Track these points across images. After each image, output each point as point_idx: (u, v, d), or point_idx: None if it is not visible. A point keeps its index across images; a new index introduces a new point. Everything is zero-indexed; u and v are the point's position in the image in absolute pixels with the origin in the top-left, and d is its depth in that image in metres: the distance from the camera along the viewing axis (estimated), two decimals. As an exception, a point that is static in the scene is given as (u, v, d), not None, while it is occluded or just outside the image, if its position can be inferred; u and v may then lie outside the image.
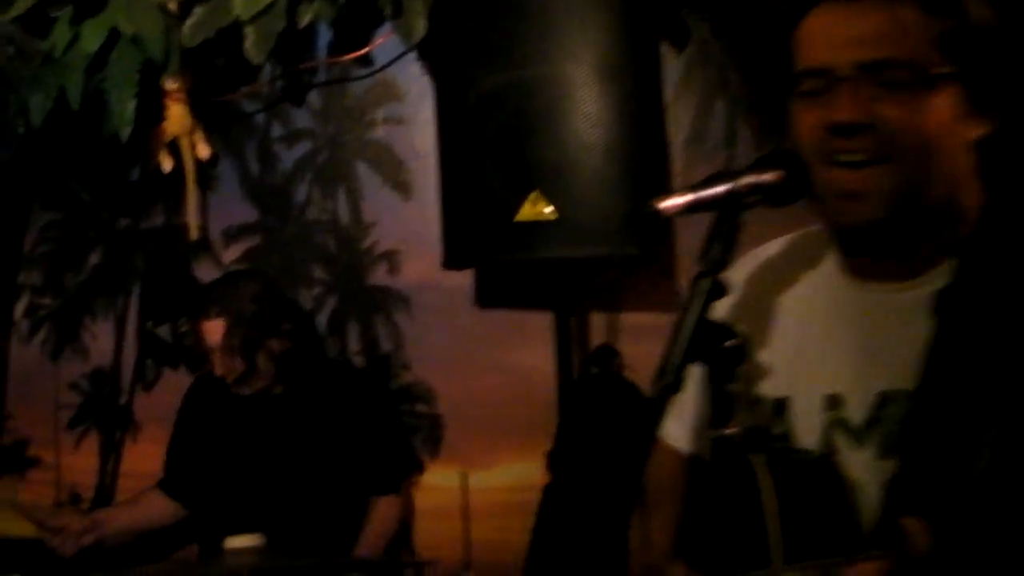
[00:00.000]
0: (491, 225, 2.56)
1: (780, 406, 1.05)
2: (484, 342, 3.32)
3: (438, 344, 3.26)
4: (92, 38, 2.60)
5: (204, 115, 3.63)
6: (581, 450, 3.03)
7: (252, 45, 2.61)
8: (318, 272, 3.33)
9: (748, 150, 2.91)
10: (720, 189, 0.92)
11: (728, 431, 0.91)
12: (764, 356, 1.05)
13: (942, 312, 0.94)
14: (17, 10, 2.67)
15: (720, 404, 0.94)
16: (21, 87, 2.75)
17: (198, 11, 2.76)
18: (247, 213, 3.52)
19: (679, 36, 2.58)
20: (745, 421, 0.89)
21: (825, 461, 0.97)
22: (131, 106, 2.80)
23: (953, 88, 0.94)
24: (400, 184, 3.32)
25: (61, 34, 2.57)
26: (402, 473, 2.95)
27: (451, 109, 2.61)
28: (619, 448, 3.01)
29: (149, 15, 2.59)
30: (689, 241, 3.20)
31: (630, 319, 3.27)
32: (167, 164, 3.52)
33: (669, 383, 0.87)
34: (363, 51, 3.00)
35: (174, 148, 3.54)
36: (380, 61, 3.44)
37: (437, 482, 3.32)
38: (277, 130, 3.49)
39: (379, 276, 3.25)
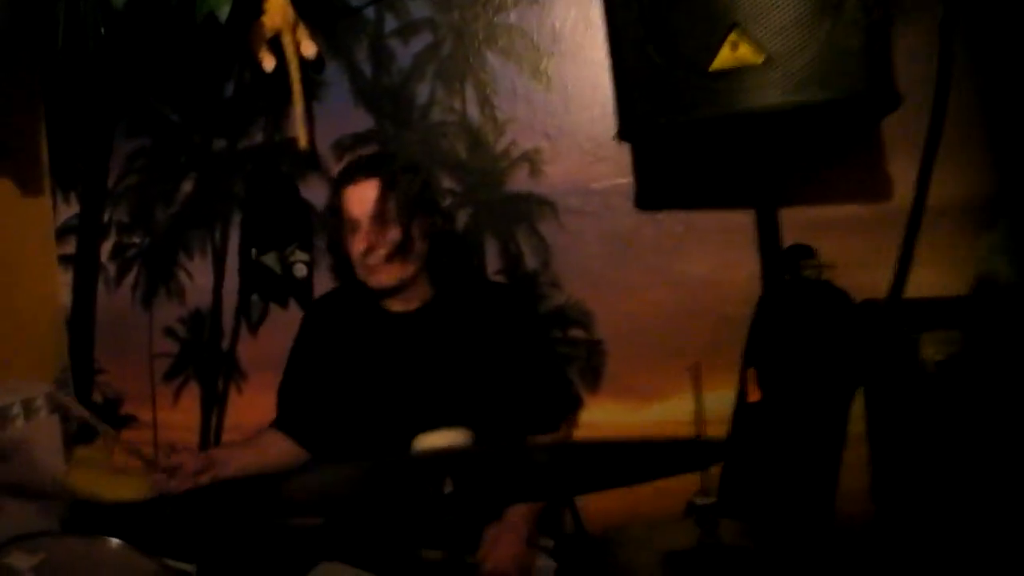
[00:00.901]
0: (678, 79, 2.16)
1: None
2: (648, 252, 2.90)
3: (593, 257, 2.88)
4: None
5: (306, 11, 3.22)
6: (783, 368, 2.62)
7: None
8: (446, 181, 2.96)
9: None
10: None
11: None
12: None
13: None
14: None
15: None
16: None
17: None
18: (360, 121, 3.16)
19: None
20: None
21: None
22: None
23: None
24: (538, 73, 2.91)
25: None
26: (562, 410, 2.69)
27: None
28: (826, 364, 2.60)
29: None
30: (894, 128, 2.72)
31: (827, 213, 2.82)
32: (269, 63, 3.12)
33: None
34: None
35: (276, 47, 3.15)
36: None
37: (598, 419, 2.92)
38: (391, 23, 3.12)
39: (519, 181, 2.86)
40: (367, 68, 3.15)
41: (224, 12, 2.65)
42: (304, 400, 2.68)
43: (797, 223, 2.74)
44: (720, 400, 2.76)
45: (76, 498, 2.92)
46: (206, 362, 3.55)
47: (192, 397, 3.59)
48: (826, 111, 2.11)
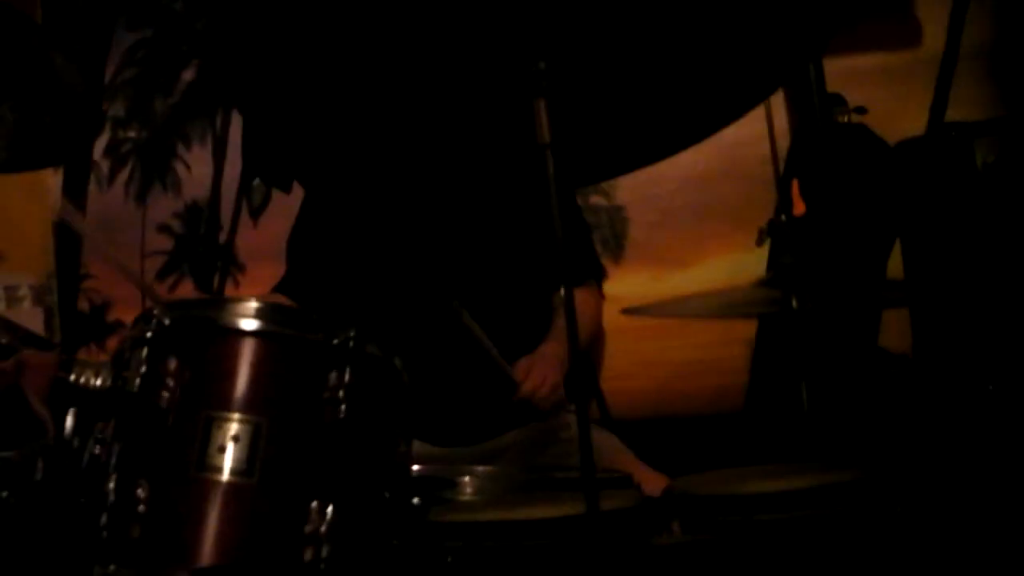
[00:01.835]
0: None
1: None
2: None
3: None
4: None
5: None
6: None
7: None
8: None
9: None
10: None
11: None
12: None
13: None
14: None
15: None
16: None
17: None
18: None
19: None
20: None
21: None
22: None
23: None
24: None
25: None
26: (589, 271, 2.58)
27: None
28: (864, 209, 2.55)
29: None
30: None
31: (856, 63, 2.77)
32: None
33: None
34: None
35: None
36: None
37: (622, 291, 2.84)
38: None
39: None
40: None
41: None
42: (316, 247, 2.58)
43: (826, 74, 2.69)
44: (754, 260, 2.68)
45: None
46: (202, 257, 3.46)
47: (187, 295, 3.50)
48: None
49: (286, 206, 3.33)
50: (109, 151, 3.64)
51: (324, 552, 1.20)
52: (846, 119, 2.59)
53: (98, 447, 1.26)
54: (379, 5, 1.60)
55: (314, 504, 1.21)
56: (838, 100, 2.61)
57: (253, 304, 1.32)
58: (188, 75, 3.44)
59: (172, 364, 1.27)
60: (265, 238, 3.38)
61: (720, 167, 2.78)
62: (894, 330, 2.63)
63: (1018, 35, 2.59)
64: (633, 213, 2.89)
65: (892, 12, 2.68)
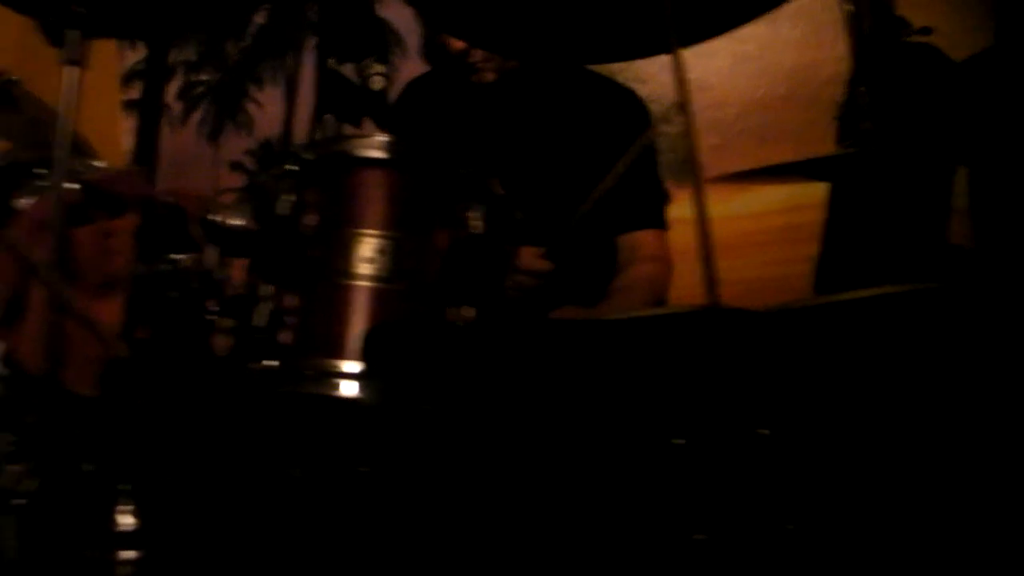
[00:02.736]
0: None
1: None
2: (735, 38, 2.96)
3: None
4: None
5: None
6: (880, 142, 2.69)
7: None
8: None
9: None
10: None
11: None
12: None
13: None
14: None
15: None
16: None
17: None
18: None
19: None
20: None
21: None
22: None
23: None
24: None
25: None
26: (662, 205, 2.66)
27: None
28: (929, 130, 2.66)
29: None
30: None
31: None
32: None
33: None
34: None
35: None
36: None
37: (687, 213, 2.98)
38: None
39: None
40: None
41: None
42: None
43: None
44: (814, 185, 2.83)
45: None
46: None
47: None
48: None
49: (358, 141, 3.53)
50: (182, 94, 3.83)
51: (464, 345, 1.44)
52: (911, 39, 2.70)
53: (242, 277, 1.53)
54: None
55: (451, 307, 1.45)
56: (901, 22, 2.73)
57: (383, 138, 1.56)
58: (260, 18, 3.62)
59: (315, 192, 1.52)
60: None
61: (781, 92, 2.92)
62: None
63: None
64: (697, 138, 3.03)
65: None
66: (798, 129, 2.96)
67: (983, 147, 2.58)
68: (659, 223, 2.56)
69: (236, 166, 3.62)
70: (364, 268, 1.45)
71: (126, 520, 1.46)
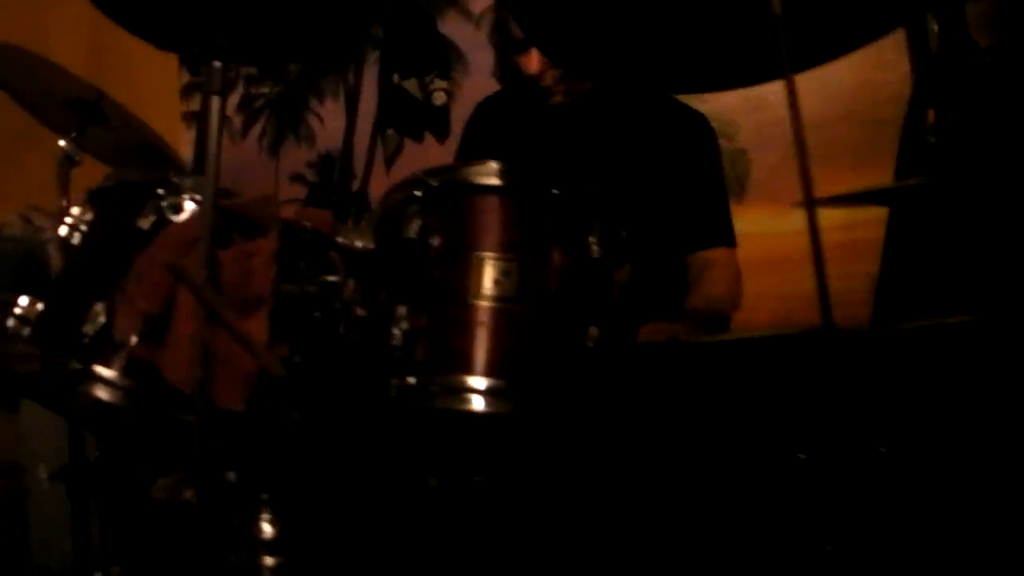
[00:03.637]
0: None
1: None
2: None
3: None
4: None
5: None
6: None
7: None
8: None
9: None
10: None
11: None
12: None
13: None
14: None
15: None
16: None
17: None
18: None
19: None
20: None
21: None
22: None
23: None
24: None
25: None
26: (729, 235, 2.71)
27: None
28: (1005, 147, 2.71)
29: None
30: None
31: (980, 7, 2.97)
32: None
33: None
34: None
35: None
36: None
37: (744, 229, 3.08)
38: None
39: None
40: None
41: None
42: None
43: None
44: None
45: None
46: (335, 203, 3.79)
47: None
48: None
49: (417, 154, 3.66)
50: (242, 106, 3.98)
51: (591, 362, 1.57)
52: (977, 59, 2.77)
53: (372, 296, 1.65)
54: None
55: (578, 326, 1.58)
56: (974, 44, 2.79)
57: (506, 166, 1.71)
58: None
59: (439, 217, 1.65)
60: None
61: (839, 112, 3.03)
62: None
63: None
64: (755, 155, 3.14)
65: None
66: (856, 148, 3.06)
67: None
68: (729, 240, 2.66)
69: (296, 178, 3.76)
70: (491, 289, 1.58)
71: (267, 528, 1.57)
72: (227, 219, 1.72)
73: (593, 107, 2.61)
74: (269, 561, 1.59)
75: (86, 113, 2.24)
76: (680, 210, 2.52)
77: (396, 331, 1.63)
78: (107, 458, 2.04)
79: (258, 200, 1.88)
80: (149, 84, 4.09)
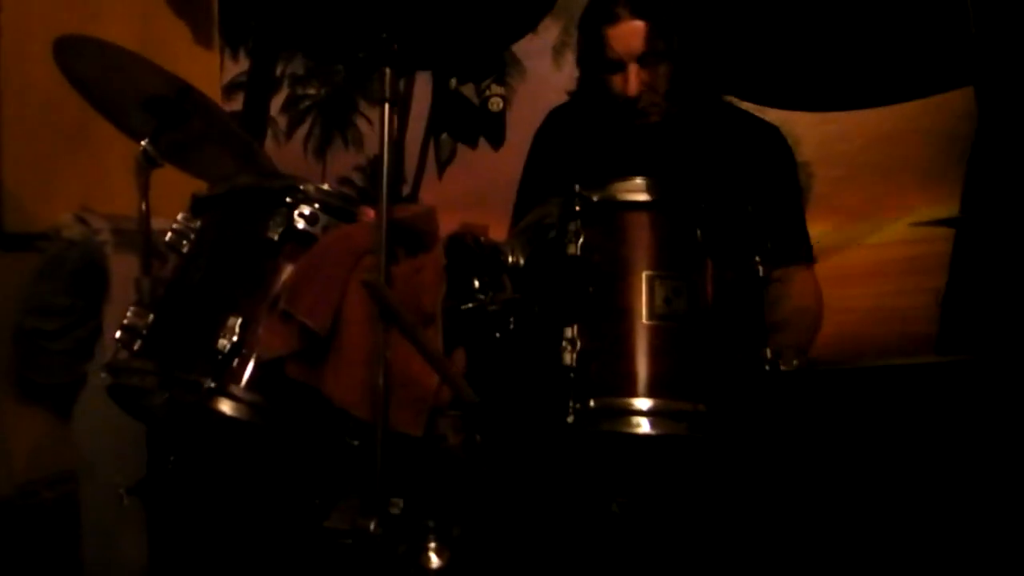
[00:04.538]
0: None
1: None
2: (861, 72, 3.10)
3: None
4: None
5: None
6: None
7: None
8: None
9: None
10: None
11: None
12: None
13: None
14: None
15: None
16: None
17: None
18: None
19: None
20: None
21: None
22: None
23: None
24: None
25: None
26: (808, 251, 2.73)
27: None
28: None
29: None
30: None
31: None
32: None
33: None
34: None
35: None
36: None
37: (807, 242, 3.12)
38: None
39: None
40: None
41: None
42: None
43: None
44: (933, 215, 2.95)
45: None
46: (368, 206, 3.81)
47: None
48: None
49: (470, 160, 3.70)
50: (287, 107, 4.01)
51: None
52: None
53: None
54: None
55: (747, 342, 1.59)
56: None
57: (676, 183, 1.70)
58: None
59: (598, 233, 1.64)
60: (449, 191, 3.73)
61: (905, 127, 3.06)
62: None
63: None
64: (818, 169, 3.17)
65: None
66: (923, 163, 3.09)
67: None
68: (808, 258, 2.68)
69: (344, 181, 3.77)
70: (663, 309, 1.60)
71: (434, 558, 1.55)
72: (394, 232, 1.64)
73: (678, 125, 2.63)
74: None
75: (165, 113, 2.14)
76: (761, 226, 2.54)
77: (568, 352, 1.61)
78: (182, 472, 1.98)
79: (423, 213, 1.83)
80: (191, 82, 4.12)
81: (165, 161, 2.11)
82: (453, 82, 3.57)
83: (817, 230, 3.13)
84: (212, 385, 1.63)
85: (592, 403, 1.55)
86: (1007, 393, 2.00)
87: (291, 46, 3.66)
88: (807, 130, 3.25)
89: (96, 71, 2.14)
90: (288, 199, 1.78)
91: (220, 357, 1.66)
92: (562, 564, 1.72)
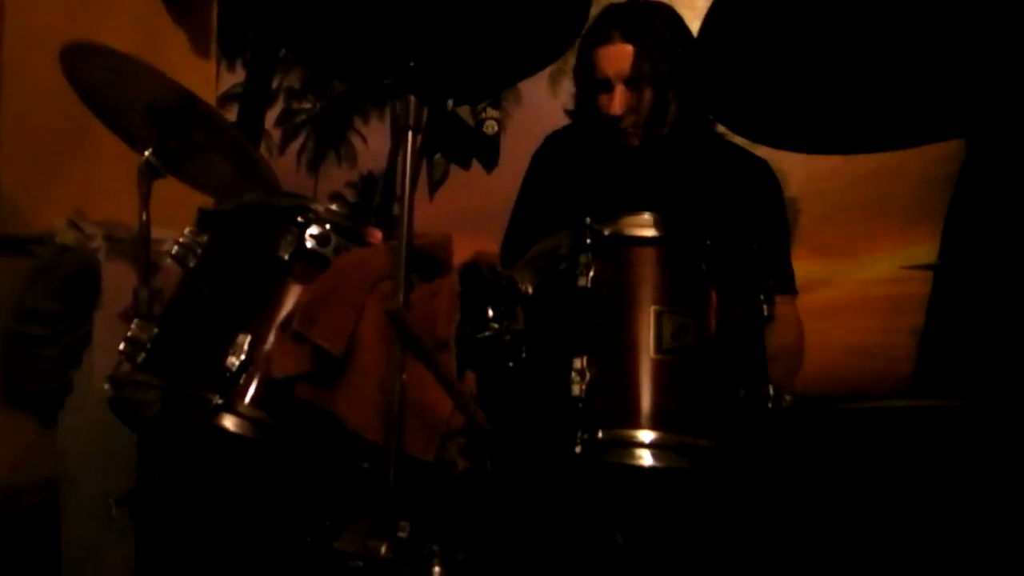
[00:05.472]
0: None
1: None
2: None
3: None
4: None
5: None
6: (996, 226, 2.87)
7: None
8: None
9: None
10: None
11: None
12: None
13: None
14: None
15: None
16: None
17: None
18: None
19: None
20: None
21: None
22: None
23: None
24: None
25: None
26: (790, 282, 2.81)
27: None
28: None
29: None
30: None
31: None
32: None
33: None
34: None
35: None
36: None
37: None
38: None
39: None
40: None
41: None
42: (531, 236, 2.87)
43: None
44: (922, 254, 3.02)
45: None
46: (376, 226, 3.88)
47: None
48: None
49: (461, 182, 3.77)
50: (281, 120, 4.07)
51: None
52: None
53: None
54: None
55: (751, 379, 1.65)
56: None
57: (684, 220, 1.74)
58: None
59: (606, 266, 1.68)
60: (441, 212, 3.79)
61: (891, 166, 3.15)
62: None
63: None
64: (804, 206, 3.25)
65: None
66: (907, 203, 3.17)
67: None
68: (791, 288, 2.75)
69: (335, 197, 3.83)
70: (670, 343, 1.63)
71: None
72: (411, 258, 1.62)
73: (662, 151, 2.70)
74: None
75: (169, 122, 2.14)
76: (764, 263, 2.61)
77: (577, 383, 1.63)
78: (177, 486, 1.99)
79: (440, 240, 1.85)
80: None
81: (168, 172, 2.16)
82: (450, 103, 3.64)
83: (804, 266, 3.22)
84: (220, 402, 1.66)
85: (600, 434, 1.60)
86: (983, 435, 2.08)
87: (292, 57, 3.70)
88: (795, 167, 3.33)
89: (101, 78, 2.16)
90: (299, 218, 1.82)
91: (228, 374, 1.68)
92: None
